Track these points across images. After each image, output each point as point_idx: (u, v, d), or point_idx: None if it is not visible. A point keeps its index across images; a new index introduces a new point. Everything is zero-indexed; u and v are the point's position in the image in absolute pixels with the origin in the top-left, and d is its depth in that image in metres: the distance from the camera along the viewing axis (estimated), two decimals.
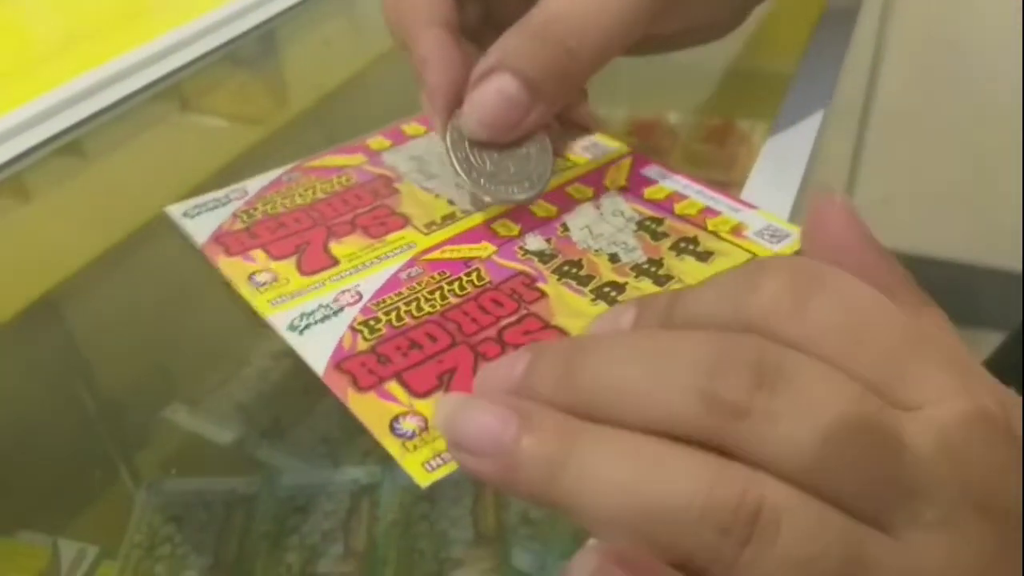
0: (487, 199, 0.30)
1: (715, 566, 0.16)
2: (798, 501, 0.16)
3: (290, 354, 0.26)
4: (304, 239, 0.30)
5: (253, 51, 0.57)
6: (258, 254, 0.30)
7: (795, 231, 0.31)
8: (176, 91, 0.52)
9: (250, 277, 0.29)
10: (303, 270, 0.29)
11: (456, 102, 0.30)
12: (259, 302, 0.27)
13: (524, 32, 0.29)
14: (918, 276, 0.22)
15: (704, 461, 0.17)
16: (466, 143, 0.30)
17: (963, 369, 0.18)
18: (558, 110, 0.31)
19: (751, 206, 0.32)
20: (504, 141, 0.30)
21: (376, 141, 0.37)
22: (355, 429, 0.23)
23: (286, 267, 0.29)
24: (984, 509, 0.17)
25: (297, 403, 0.37)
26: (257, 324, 0.27)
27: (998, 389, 0.18)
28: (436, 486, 0.32)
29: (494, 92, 0.29)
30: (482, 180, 0.30)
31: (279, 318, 0.27)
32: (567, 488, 0.17)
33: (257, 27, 0.57)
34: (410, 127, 0.38)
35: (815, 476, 0.16)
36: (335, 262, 0.29)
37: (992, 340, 1.61)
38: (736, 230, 0.31)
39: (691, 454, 0.17)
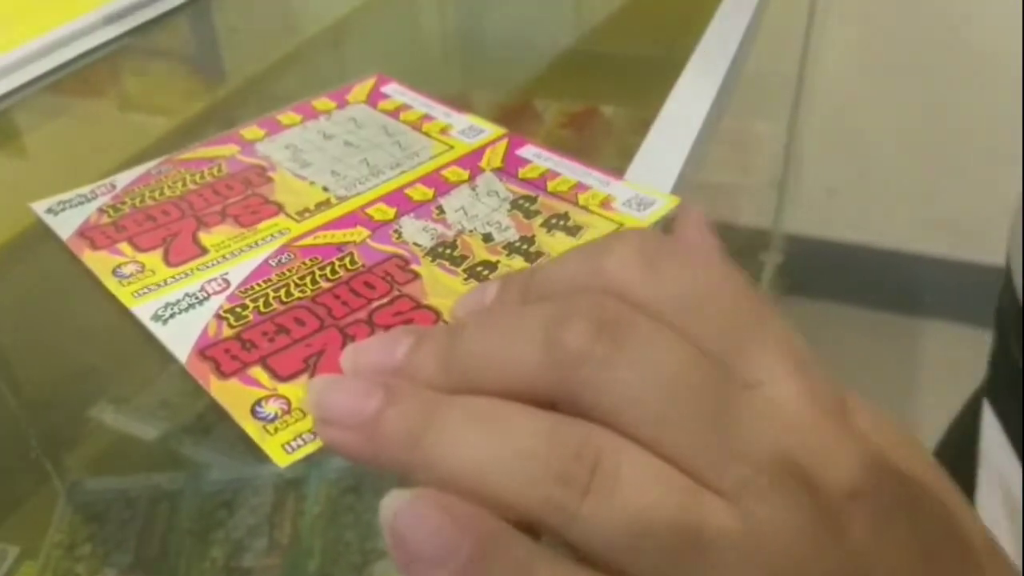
0: None
1: (556, 520, 0.16)
2: (637, 453, 0.17)
3: None
4: (172, 231, 0.30)
5: (160, 39, 0.56)
6: (124, 247, 0.30)
7: (661, 198, 0.31)
8: (77, 81, 0.51)
9: (115, 270, 0.29)
10: (170, 261, 0.29)
11: None
12: (123, 295, 0.28)
13: None
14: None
15: (548, 416, 0.17)
16: None
17: (802, 356, 0.19)
18: None
19: (620, 178, 0.33)
20: None
21: (250, 131, 0.37)
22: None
23: (152, 259, 0.29)
24: (812, 486, 0.17)
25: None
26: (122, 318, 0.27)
27: (836, 382, 0.19)
28: (364, 478, 0.32)
29: None
30: None
31: (144, 309, 0.27)
32: (425, 453, 0.17)
33: (163, 15, 0.56)
34: (286, 116, 0.38)
35: (652, 430, 0.17)
36: (203, 251, 0.29)
37: (934, 328, 1.65)
38: (605, 203, 0.31)
39: (537, 412, 0.17)
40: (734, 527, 0.17)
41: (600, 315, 0.18)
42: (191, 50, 0.59)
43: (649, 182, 0.33)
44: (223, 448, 0.33)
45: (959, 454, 0.53)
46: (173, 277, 0.28)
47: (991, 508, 0.48)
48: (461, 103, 0.52)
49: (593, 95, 0.54)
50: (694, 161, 0.35)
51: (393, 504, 0.17)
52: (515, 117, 0.52)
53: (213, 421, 0.36)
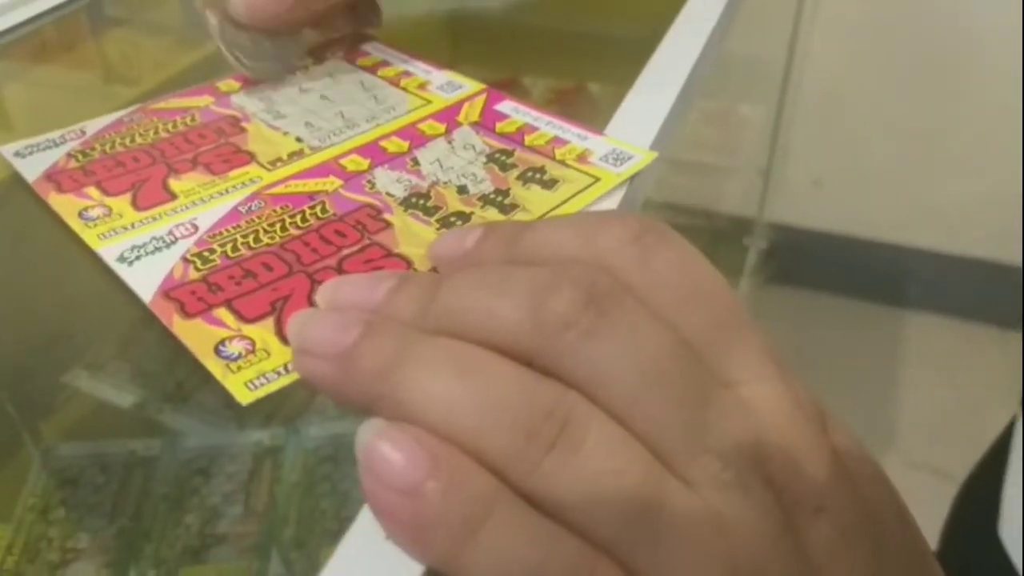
0: (242, 70, 0.34)
1: (516, 470, 0.16)
2: (608, 423, 0.17)
3: None
4: (142, 176, 0.30)
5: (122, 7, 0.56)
6: (92, 191, 0.30)
7: (638, 153, 0.32)
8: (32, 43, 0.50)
9: (81, 213, 0.28)
10: (138, 205, 0.29)
11: None
12: (88, 236, 0.27)
13: None
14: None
15: (526, 371, 0.17)
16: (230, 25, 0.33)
17: (783, 366, 0.19)
18: (320, 9, 0.34)
19: (598, 133, 0.33)
20: (265, 28, 0.33)
21: (226, 84, 0.37)
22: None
23: (120, 203, 0.29)
24: (778, 490, 0.17)
25: (202, 367, 0.36)
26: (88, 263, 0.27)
27: (812, 395, 0.19)
28: (341, 447, 0.31)
29: None
30: (241, 55, 0.33)
31: (109, 251, 0.27)
32: (394, 387, 0.17)
33: None
34: None
35: (625, 408, 0.17)
36: (172, 197, 0.29)
37: (918, 319, 1.66)
38: (582, 157, 0.32)
39: (515, 366, 0.17)
40: (695, 510, 0.17)
41: (590, 287, 0.18)
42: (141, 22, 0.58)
43: (627, 139, 0.33)
44: (200, 415, 0.33)
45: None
46: (140, 221, 0.28)
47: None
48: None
49: (581, 72, 0.54)
50: (673, 121, 0.35)
51: (370, 429, 0.17)
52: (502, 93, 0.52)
53: (191, 388, 0.36)
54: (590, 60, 0.56)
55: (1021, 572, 0.46)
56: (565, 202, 0.30)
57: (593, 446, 0.16)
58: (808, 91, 1.33)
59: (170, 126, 0.33)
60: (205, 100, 0.35)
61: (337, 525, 0.30)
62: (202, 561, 0.28)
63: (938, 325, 1.60)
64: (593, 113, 0.51)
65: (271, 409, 0.35)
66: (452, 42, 0.61)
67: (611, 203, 0.30)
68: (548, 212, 0.30)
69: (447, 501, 0.16)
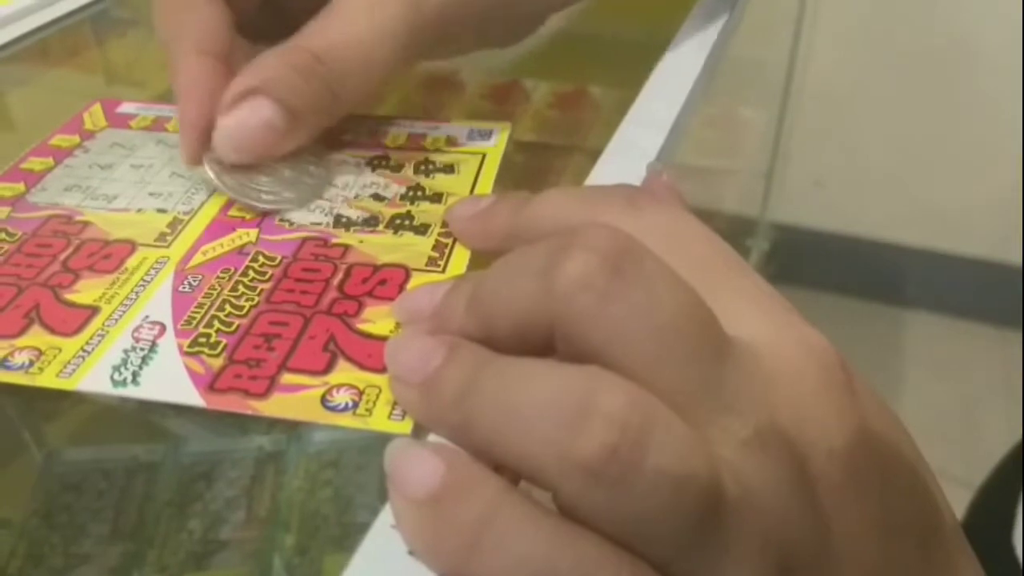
0: (274, 207, 0.30)
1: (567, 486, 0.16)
2: (670, 422, 0.16)
3: None
4: (23, 309, 0.26)
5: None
6: None
7: (497, 126, 0.33)
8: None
9: (2, 363, 0.24)
10: (61, 331, 0.25)
11: (209, 135, 0.30)
12: (46, 382, 0.24)
13: (289, 63, 0.29)
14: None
15: (576, 370, 0.17)
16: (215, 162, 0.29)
17: (788, 307, 0.19)
18: (314, 137, 0.31)
19: (441, 121, 0.33)
20: (254, 162, 0.30)
21: (7, 187, 0.32)
22: None
23: (35, 339, 0.25)
24: (790, 437, 0.17)
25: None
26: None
27: (824, 339, 0.19)
28: (344, 452, 0.31)
29: (254, 117, 0.28)
30: (263, 194, 0.30)
31: (90, 381, 0.24)
32: (466, 409, 0.18)
33: None
34: (30, 163, 0.34)
35: (644, 369, 0.17)
36: (93, 309, 0.26)
37: (918, 319, 1.66)
38: (451, 142, 0.32)
39: (563, 367, 0.17)
40: (738, 502, 0.17)
41: (605, 246, 0.18)
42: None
43: (630, 155, 0.33)
44: (203, 420, 0.33)
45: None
46: (88, 343, 0.25)
47: None
48: (451, 82, 0.52)
49: (583, 76, 0.54)
50: (676, 134, 0.35)
51: (395, 444, 0.18)
52: (503, 96, 0.52)
53: None
54: (592, 63, 0.56)
55: None
56: (476, 181, 0.30)
57: (656, 452, 0.16)
58: (810, 94, 1.33)
59: None
60: (2, 211, 0.31)
61: (340, 531, 0.30)
62: (205, 567, 0.29)
63: (938, 324, 1.60)
64: (595, 116, 0.51)
65: None
66: None
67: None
68: (470, 192, 0.30)
69: (455, 509, 0.16)
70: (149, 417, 0.35)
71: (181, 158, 0.30)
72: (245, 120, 0.28)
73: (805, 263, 1.54)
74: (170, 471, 0.31)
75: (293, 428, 0.32)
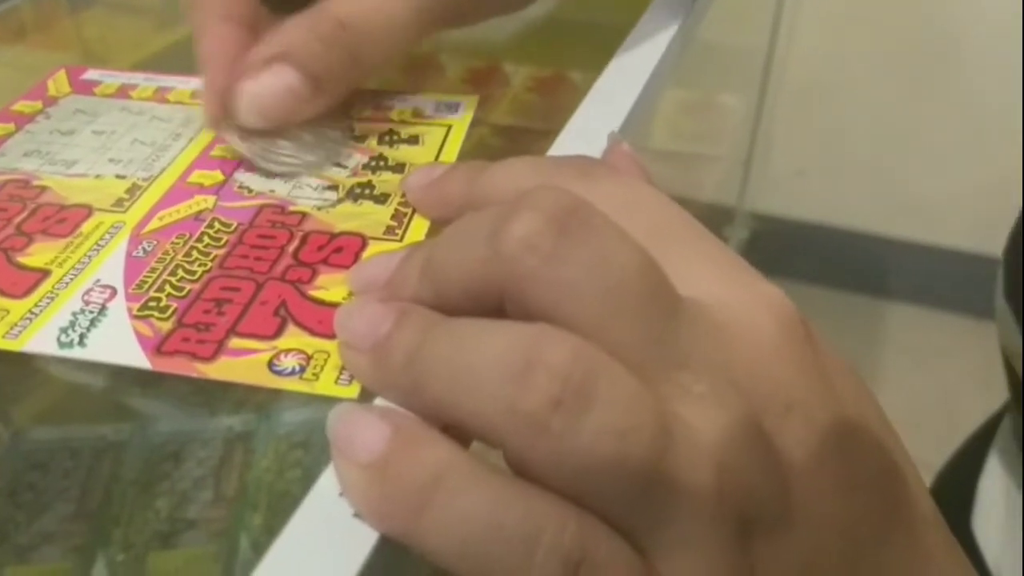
0: (294, 170, 0.30)
1: (522, 436, 0.16)
2: (619, 375, 0.17)
3: None
4: None
5: None
6: None
7: (464, 99, 0.33)
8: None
9: None
10: (11, 293, 0.26)
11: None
12: None
13: (312, 30, 0.29)
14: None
15: (522, 327, 0.17)
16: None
17: (744, 265, 0.19)
18: (337, 101, 0.31)
19: (410, 93, 0.34)
20: (276, 127, 0.30)
21: None
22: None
23: None
24: (745, 390, 0.17)
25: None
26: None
27: (788, 302, 0.19)
28: (312, 433, 0.32)
29: (278, 83, 0.29)
30: (285, 157, 0.30)
31: (37, 342, 0.24)
32: (416, 372, 0.18)
33: None
34: None
35: (594, 329, 0.17)
36: (44, 272, 0.26)
37: (899, 310, 1.67)
38: (417, 113, 0.32)
39: (510, 325, 0.18)
40: (695, 469, 0.17)
41: (551, 207, 0.18)
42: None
43: (586, 136, 0.33)
44: (171, 400, 0.33)
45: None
46: (36, 305, 0.25)
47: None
48: (431, 65, 0.51)
49: (562, 61, 0.55)
50: (638, 115, 0.35)
51: (338, 408, 0.18)
52: (483, 80, 0.53)
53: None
54: (571, 47, 0.56)
55: (990, 567, 0.46)
56: (440, 152, 0.30)
57: (600, 404, 0.16)
58: (790, 80, 1.34)
59: None
60: None
61: None
62: (171, 546, 0.28)
63: (918, 315, 1.61)
64: (573, 101, 0.51)
65: (242, 395, 0.35)
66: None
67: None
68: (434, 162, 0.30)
69: (403, 471, 0.16)
70: (119, 398, 0.35)
71: (204, 122, 0.31)
72: (269, 86, 0.28)
73: (785, 253, 1.54)
74: (138, 451, 0.31)
75: (264, 409, 0.32)
